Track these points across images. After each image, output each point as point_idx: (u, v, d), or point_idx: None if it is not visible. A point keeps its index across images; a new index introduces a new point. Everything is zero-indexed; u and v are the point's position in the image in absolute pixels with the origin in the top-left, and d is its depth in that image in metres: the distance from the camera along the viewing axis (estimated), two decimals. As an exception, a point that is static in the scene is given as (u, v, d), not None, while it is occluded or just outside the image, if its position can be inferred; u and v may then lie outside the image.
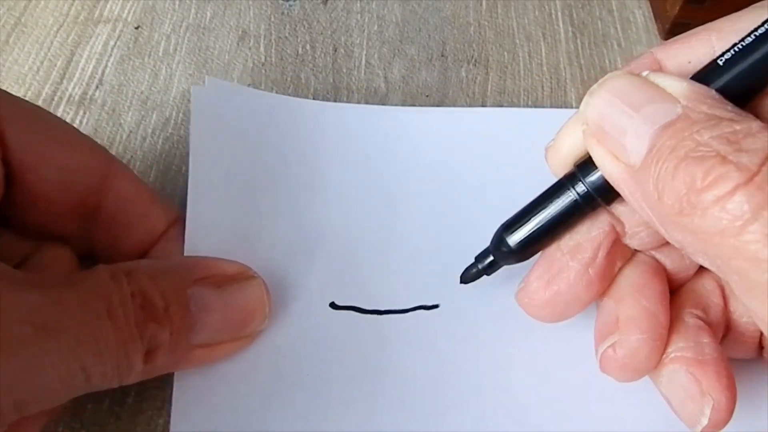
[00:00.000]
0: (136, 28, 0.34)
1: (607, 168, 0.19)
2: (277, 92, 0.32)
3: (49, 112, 0.24)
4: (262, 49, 0.33)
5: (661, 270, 0.23)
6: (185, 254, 0.24)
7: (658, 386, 0.22)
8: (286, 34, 0.34)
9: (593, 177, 0.20)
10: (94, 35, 0.33)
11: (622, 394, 0.24)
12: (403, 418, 0.23)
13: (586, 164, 0.20)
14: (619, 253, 0.22)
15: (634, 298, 0.22)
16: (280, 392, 0.23)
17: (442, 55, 0.34)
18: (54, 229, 0.23)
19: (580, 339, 0.24)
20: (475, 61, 0.34)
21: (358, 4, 0.36)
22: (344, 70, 0.33)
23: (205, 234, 0.25)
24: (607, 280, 0.22)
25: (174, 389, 0.23)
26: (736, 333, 0.23)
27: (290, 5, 0.35)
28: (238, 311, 0.23)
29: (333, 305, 0.25)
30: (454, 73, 0.33)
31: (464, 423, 0.23)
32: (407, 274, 0.26)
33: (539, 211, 0.22)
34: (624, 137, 0.18)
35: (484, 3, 0.36)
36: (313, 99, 0.31)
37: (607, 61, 0.34)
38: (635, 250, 0.23)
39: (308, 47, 0.34)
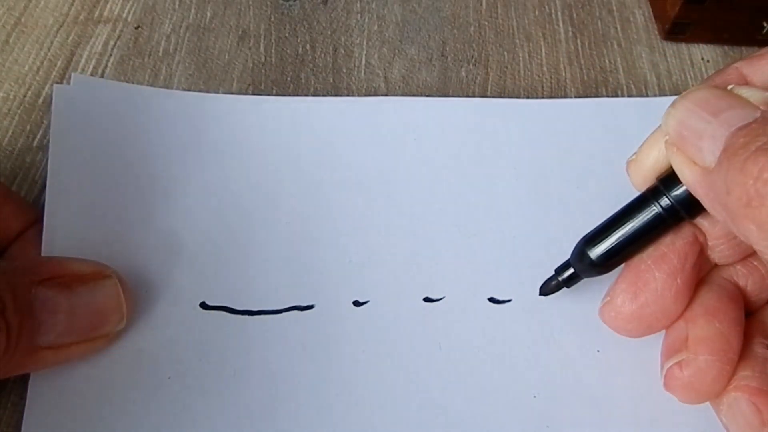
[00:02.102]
0: (136, 28, 0.34)
1: (686, 174, 0.19)
2: (277, 93, 0.32)
3: None
4: (262, 49, 0.33)
5: (737, 296, 0.22)
6: (42, 255, 0.24)
7: (718, 414, 0.22)
8: (286, 34, 0.34)
9: (677, 191, 0.21)
10: (94, 35, 0.33)
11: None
12: (271, 420, 0.23)
13: (669, 178, 0.21)
14: (702, 267, 0.22)
15: (707, 320, 0.21)
16: (140, 394, 0.23)
17: (442, 55, 0.34)
18: None
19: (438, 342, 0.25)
20: (475, 61, 0.34)
21: (358, 4, 0.36)
22: (344, 70, 0.33)
23: (65, 234, 0.25)
24: (692, 291, 0.22)
25: (29, 390, 0.22)
26: None
27: (290, 5, 0.35)
28: (87, 312, 0.22)
29: (203, 305, 0.25)
30: (454, 73, 0.33)
31: (336, 425, 0.23)
32: (282, 273, 0.26)
33: (622, 225, 0.22)
34: (701, 141, 0.18)
35: (484, 3, 0.36)
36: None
37: (607, 61, 0.34)
38: (713, 267, 0.23)
39: (308, 47, 0.34)
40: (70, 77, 0.30)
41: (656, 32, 0.35)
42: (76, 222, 0.25)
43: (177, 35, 0.33)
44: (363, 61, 0.33)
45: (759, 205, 0.16)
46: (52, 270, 0.22)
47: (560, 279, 0.24)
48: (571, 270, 0.24)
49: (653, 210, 0.21)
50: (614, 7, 0.36)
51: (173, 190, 0.27)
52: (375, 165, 0.29)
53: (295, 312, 0.25)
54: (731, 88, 0.19)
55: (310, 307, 0.25)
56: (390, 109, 0.30)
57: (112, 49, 0.33)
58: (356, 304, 0.25)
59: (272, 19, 0.35)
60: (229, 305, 0.25)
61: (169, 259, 0.25)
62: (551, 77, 0.33)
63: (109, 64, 0.32)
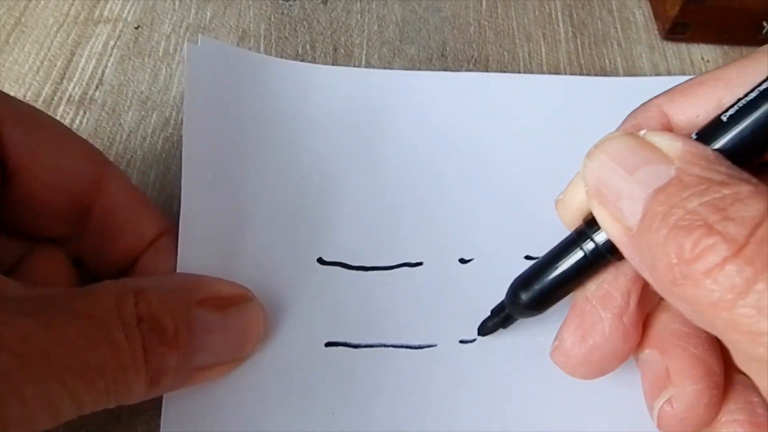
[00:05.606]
0: (136, 28, 0.34)
1: (609, 229, 0.19)
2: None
3: (46, 113, 0.23)
4: (262, 49, 0.33)
5: None
6: (178, 266, 0.24)
7: None
8: (286, 34, 0.34)
9: (602, 235, 0.20)
10: (94, 35, 0.33)
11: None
12: (384, 369, 0.24)
13: (594, 221, 0.20)
14: (648, 300, 0.22)
15: (681, 347, 0.21)
16: (266, 342, 0.24)
17: (442, 55, 0.34)
18: (47, 232, 0.23)
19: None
20: (475, 61, 0.34)
21: (358, 4, 0.36)
22: (344, 70, 0.33)
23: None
24: (641, 328, 0.22)
25: (163, 406, 0.23)
26: None
27: (290, 5, 0.35)
28: (237, 334, 0.23)
29: (320, 260, 0.26)
30: (454, 73, 0.33)
31: (445, 383, 0.24)
32: (393, 233, 0.27)
33: (552, 267, 0.22)
34: (620, 201, 0.18)
35: (484, 3, 0.36)
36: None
37: (607, 61, 0.34)
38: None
39: (308, 47, 0.34)
40: (198, 39, 0.28)
41: (656, 32, 0.35)
42: (209, 191, 0.26)
43: (177, 35, 0.33)
44: (363, 61, 0.33)
45: (683, 284, 0.16)
46: (208, 291, 0.22)
47: (496, 320, 0.24)
48: (507, 311, 0.23)
49: (579, 253, 0.21)
50: (614, 7, 0.36)
51: (294, 156, 0.28)
52: (471, 136, 0.30)
53: (406, 268, 0.26)
54: (644, 135, 0.18)
55: (420, 264, 0.27)
56: (486, 84, 0.32)
57: (112, 49, 0.33)
58: (462, 261, 0.27)
59: (272, 19, 0.35)
60: (344, 261, 0.26)
61: (289, 217, 0.27)
62: (551, 77, 0.33)
63: (109, 64, 0.32)
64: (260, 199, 0.27)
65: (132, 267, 0.24)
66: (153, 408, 0.23)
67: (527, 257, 0.27)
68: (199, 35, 0.29)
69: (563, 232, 0.27)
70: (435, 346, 0.25)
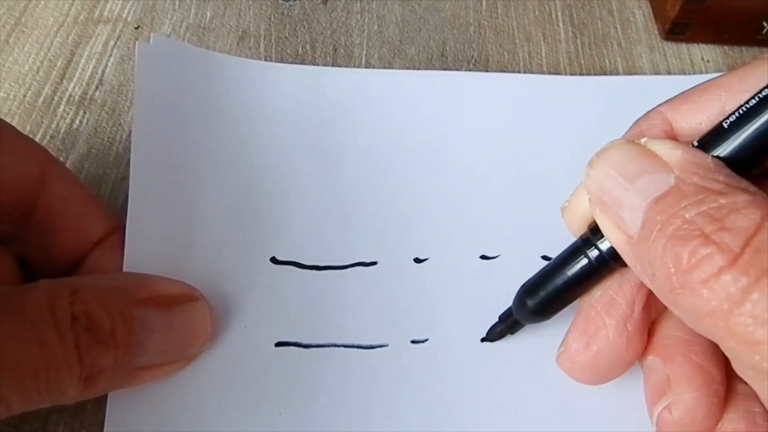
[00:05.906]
0: (136, 28, 0.34)
1: (611, 237, 0.19)
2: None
3: None
4: (262, 49, 0.33)
5: None
6: (125, 264, 0.24)
7: None
8: (286, 34, 0.34)
9: (606, 242, 0.20)
10: (94, 35, 0.33)
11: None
12: (335, 369, 0.24)
13: (599, 228, 0.20)
14: (653, 307, 0.22)
15: (683, 355, 0.21)
16: (216, 342, 0.24)
17: (442, 55, 0.34)
18: None
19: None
20: (475, 61, 0.34)
21: (358, 4, 0.36)
22: (344, 70, 0.33)
23: (145, 214, 0.25)
24: (646, 335, 0.22)
25: (108, 405, 0.22)
26: None
27: (290, 5, 0.35)
28: (180, 334, 0.22)
29: (273, 260, 0.26)
30: (454, 73, 0.33)
31: (396, 383, 0.24)
32: (347, 232, 0.27)
33: (557, 273, 0.22)
34: (621, 209, 0.18)
35: (484, 3, 0.36)
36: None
37: (607, 61, 0.34)
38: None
39: (308, 47, 0.34)
40: (150, 37, 0.28)
41: (656, 32, 0.35)
42: (157, 185, 0.26)
43: (177, 35, 0.33)
44: (363, 61, 0.33)
45: (681, 293, 0.16)
46: (150, 290, 0.22)
47: (503, 326, 0.24)
48: (514, 317, 0.24)
49: (584, 260, 0.21)
50: (614, 7, 0.36)
51: (243, 154, 0.28)
52: (428, 135, 0.30)
53: (360, 268, 0.26)
54: (645, 142, 0.18)
55: (374, 263, 0.26)
56: (444, 82, 0.31)
57: (112, 49, 0.33)
58: (417, 260, 0.27)
59: (272, 19, 0.35)
60: (298, 261, 0.26)
61: (241, 217, 0.26)
62: (551, 77, 0.33)
63: (109, 64, 0.32)
64: (212, 197, 0.27)
65: (78, 266, 0.23)
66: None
67: (483, 257, 0.27)
68: (152, 34, 0.29)
69: (520, 234, 0.27)
70: (386, 346, 0.25)
